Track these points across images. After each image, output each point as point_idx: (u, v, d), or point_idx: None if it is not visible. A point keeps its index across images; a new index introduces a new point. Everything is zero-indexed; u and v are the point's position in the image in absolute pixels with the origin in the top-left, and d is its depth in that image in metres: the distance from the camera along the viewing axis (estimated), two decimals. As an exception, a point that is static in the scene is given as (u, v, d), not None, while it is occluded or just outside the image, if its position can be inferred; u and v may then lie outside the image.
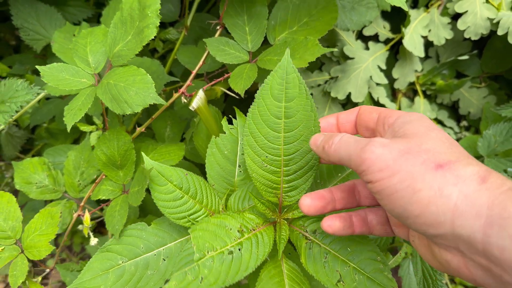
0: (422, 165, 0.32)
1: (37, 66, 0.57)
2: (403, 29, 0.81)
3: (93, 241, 0.62)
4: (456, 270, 0.34)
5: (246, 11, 0.64)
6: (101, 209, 0.75)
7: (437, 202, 0.31)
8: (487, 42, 0.93)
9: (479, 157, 0.88)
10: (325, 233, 0.51)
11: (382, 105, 0.82)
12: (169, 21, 0.84)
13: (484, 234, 0.29)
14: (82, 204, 0.64)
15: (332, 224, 0.43)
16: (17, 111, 0.71)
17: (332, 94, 0.79)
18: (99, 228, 1.14)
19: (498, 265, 0.29)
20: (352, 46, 0.82)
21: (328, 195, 0.45)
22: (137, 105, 0.52)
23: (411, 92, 0.96)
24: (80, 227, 0.72)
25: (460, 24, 0.86)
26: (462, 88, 0.96)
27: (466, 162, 0.32)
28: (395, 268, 0.66)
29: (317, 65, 0.86)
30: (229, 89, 0.71)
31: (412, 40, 0.83)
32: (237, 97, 0.68)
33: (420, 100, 0.91)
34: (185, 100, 0.63)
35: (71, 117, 0.53)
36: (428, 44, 0.93)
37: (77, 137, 0.95)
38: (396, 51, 0.92)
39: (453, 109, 1.00)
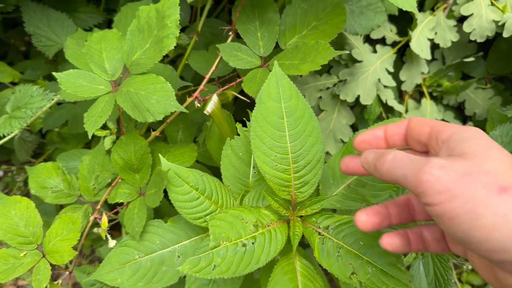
0: (484, 188, 0.31)
1: (54, 73, 0.58)
2: (410, 32, 0.83)
3: (112, 243, 0.64)
4: None
5: (258, 17, 0.65)
6: (115, 213, 0.76)
7: (503, 228, 0.30)
8: (493, 44, 0.94)
9: (486, 158, 0.89)
10: (337, 229, 0.52)
11: (390, 107, 0.84)
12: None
13: None
14: (98, 207, 0.65)
15: (392, 242, 0.42)
16: (31, 117, 0.73)
17: (341, 97, 0.81)
18: (110, 231, 1.15)
19: None
20: (360, 49, 0.83)
21: (383, 210, 0.44)
22: (159, 113, 0.53)
23: (418, 93, 0.97)
24: (95, 230, 0.73)
25: (466, 27, 0.87)
26: (467, 90, 0.97)
27: None
28: (406, 268, 0.67)
29: (326, 69, 0.87)
30: (239, 93, 0.72)
31: (419, 43, 0.84)
32: (248, 100, 0.69)
33: (426, 102, 0.92)
34: (199, 105, 0.65)
35: (91, 124, 0.54)
36: (433, 46, 0.95)
37: (88, 141, 0.97)
38: (402, 54, 0.93)
39: (459, 110, 1.01)
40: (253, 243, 0.50)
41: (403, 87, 0.89)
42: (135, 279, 0.58)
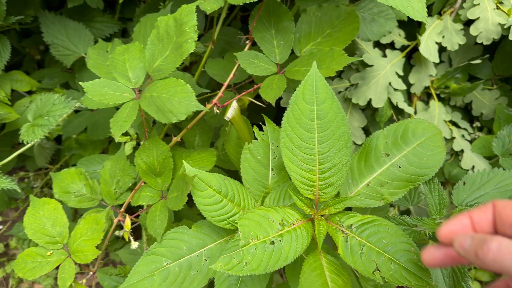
0: None
1: (80, 83, 0.61)
2: (419, 36, 0.85)
3: (134, 244, 0.66)
4: None
5: (273, 26, 0.68)
6: (136, 216, 0.78)
7: None
8: (498, 46, 0.96)
9: (494, 157, 0.92)
10: (360, 228, 0.55)
11: (401, 110, 0.86)
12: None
13: None
14: (122, 210, 0.68)
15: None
16: (54, 124, 0.75)
17: (353, 101, 0.83)
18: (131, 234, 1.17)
19: None
20: (371, 54, 0.85)
21: None
22: (182, 113, 0.56)
23: (426, 95, 0.99)
24: (116, 232, 0.76)
25: (473, 30, 0.90)
26: (474, 90, 1.00)
27: None
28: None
29: (337, 73, 0.89)
30: (254, 98, 0.75)
31: (428, 47, 0.86)
32: (264, 105, 0.72)
33: (435, 103, 0.94)
34: (218, 111, 0.67)
35: (117, 128, 0.56)
36: (440, 49, 0.97)
37: (105, 147, 0.99)
38: (409, 57, 0.96)
39: (466, 111, 1.03)
40: (280, 241, 0.52)
41: (412, 90, 0.91)
42: (165, 286, 0.59)
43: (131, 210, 0.76)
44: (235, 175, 0.75)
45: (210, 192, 0.60)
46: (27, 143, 0.77)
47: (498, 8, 0.92)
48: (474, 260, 0.37)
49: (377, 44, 0.90)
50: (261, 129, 0.67)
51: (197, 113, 0.71)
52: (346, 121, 0.56)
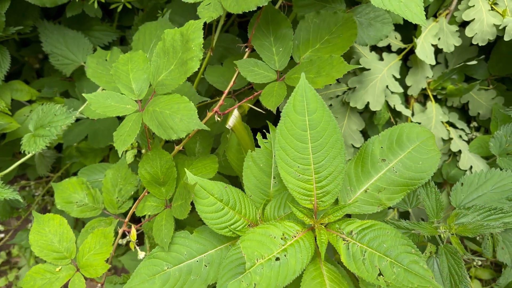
0: None
1: (84, 95, 0.61)
2: (415, 39, 0.86)
3: (141, 254, 0.67)
4: None
5: (272, 33, 0.69)
6: (139, 224, 0.79)
7: None
8: (494, 47, 0.97)
9: (491, 157, 0.93)
10: (361, 233, 0.56)
11: (398, 112, 0.87)
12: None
13: None
14: (126, 220, 0.68)
15: None
16: (56, 135, 0.76)
17: (351, 104, 0.84)
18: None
19: None
20: (368, 57, 0.86)
21: None
22: (182, 131, 0.56)
23: (422, 97, 1.00)
24: (120, 241, 0.76)
25: (468, 32, 0.91)
26: (471, 91, 1.01)
27: None
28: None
29: (334, 77, 0.90)
30: (254, 104, 0.75)
31: (424, 49, 0.87)
32: (264, 112, 0.72)
33: (432, 105, 0.95)
34: (219, 119, 0.68)
35: (121, 142, 0.57)
36: (436, 51, 0.98)
37: (106, 154, 1.00)
38: (406, 59, 0.97)
39: (463, 111, 1.04)
40: (285, 255, 0.53)
41: (409, 92, 0.92)
42: (165, 289, 0.60)
43: (133, 217, 0.76)
44: (236, 181, 0.76)
45: (212, 200, 0.61)
46: (29, 153, 0.78)
47: (493, 9, 0.93)
48: None
49: (374, 48, 0.91)
50: (264, 137, 0.67)
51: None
52: (338, 129, 0.57)
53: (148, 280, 0.62)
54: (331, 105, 0.87)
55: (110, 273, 1.22)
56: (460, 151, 0.93)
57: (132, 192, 0.77)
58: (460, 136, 0.96)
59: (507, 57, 0.96)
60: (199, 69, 0.87)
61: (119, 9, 0.87)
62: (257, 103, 0.72)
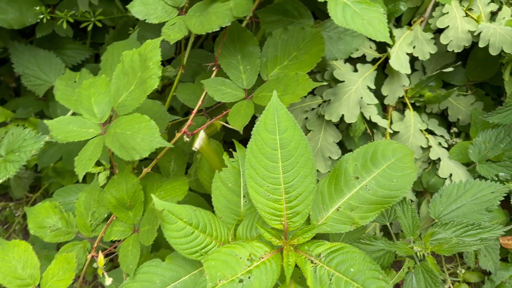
0: None
1: (45, 121, 0.60)
2: (388, 49, 0.85)
3: (108, 280, 0.65)
4: None
5: (239, 51, 0.68)
6: (115, 246, 0.78)
7: None
8: (470, 52, 0.97)
9: (472, 163, 0.92)
10: (329, 256, 0.55)
11: (374, 124, 0.86)
12: (165, 58, 0.88)
13: None
14: (95, 245, 0.67)
15: None
16: (26, 160, 0.74)
17: (326, 117, 0.83)
18: (115, 262, 1.16)
19: None
20: (342, 69, 0.85)
21: None
22: (145, 150, 0.55)
23: (401, 104, 1.00)
24: (95, 265, 0.75)
25: (443, 39, 0.90)
26: (449, 97, 1.00)
27: None
28: (401, 282, 0.70)
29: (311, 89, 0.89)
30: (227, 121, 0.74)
31: (398, 59, 0.87)
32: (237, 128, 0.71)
33: (410, 113, 0.94)
34: (187, 139, 0.67)
35: (82, 167, 0.56)
36: (413, 58, 0.97)
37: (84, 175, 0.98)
38: (384, 66, 0.96)
39: (443, 116, 1.04)
40: (249, 278, 0.52)
41: (386, 101, 0.91)
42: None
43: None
44: (210, 198, 0.75)
45: (181, 225, 0.60)
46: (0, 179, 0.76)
47: (467, 15, 0.92)
48: None
49: (349, 58, 0.90)
50: (232, 156, 0.66)
51: (170, 138, 0.70)
52: (309, 148, 0.56)
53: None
54: (306, 118, 0.87)
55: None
56: (439, 159, 0.93)
57: (106, 215, 0.76)
58: (440, 144, 0.96)
59: (484, 63, 0.95)
60: (170, 83, 0.86)
61: (89, 28, 0.86)
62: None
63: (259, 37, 0.73)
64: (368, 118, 0.85)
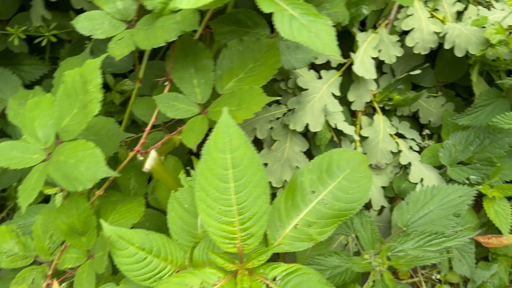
0: None
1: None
2: (352, 55, 0.83)
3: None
4: None
5: (192, 65, 0.65)
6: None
7: None
8: (438, 53, 0.95)
9: (443, 166, 0.91)
10: (285, 279, 0.52)
11: (340, 131, 0.84)
12: (124, 71, 0.85)
13: None
14: (50, 272, 0.64)
15: None
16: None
17: (291, 127, 0.81)
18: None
19: None
20: (305, 77, 0.83)
21: None
22: (89, 180, 0.53)
23: (371, 109, 0.98)
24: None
25: (408, 41, 0.88)
26: (420, 99, 0.99)
27: None
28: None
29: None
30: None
31: (363, 64, 0.85)
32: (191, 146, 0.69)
33: (379, 118, 0.92)
34: (142, 158, 0.64)
35: (25, 198, 0.53)
36: (381, 61, 0.95)
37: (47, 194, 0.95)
38: (350, 71, 0.94)
39: (414, 119, 1.02)
40: (198, 308, 0.49)
41: (353, 107, 0.90)
42: None
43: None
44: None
45: (132, 250, 0.57)
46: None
47: (433, 16, 0.91)
48: None
49: (313, 65, 0.88)
50: (189, 175, 0.64)
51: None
52: (261, 166, 0.54)
53: None
54: (272, 128, 0.84)
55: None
56: (410, 164, 0.91)
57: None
58: (411, 147, 0.94)
59: (452, 64, 0.94)
60: (129, 101, 0.83)
61: (43, 43, 0.83)
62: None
63: (216, 49, 0.71)
64: (334, 126, 0.83)
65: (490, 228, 0.95)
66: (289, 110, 0.84)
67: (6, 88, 0.87)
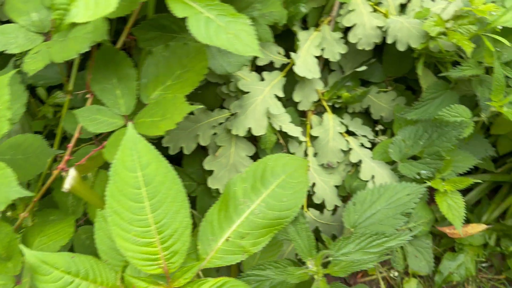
0: None
1: None
2: (292, 55, 0.81)
3: None
4: None
5: (114, 74, 0.62)
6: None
7: None
8: (384, 48, 0.94)
9: (393, 163, 0.90)
10: None
11: (285, 133, 0.82)
12: (56, 83, 0.81)
13: None
14: (-25, 303, 0.61)
15: None
16: None
17: (233, 132, 0.79)
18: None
19: None
20: (247, 79, 0.81)
21: None
22: (1, 203, 0.50)
23: (322, 107, 0.96)
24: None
25: (351, 37, 0.87)
26: (370, 94, 0.97)
27: None
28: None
29: (218, 103, 0.85)
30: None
31: (306, 64, 0.83)
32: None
33: (328, 116, 0.91)
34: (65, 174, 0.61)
35: None
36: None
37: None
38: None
39: (367, 115, 1.01)
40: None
41: (300, 107, 0.88)
42: None
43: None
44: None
45: (57, 275, 0.54)
46: None
47: (375, 10, 0.89)
48: None
49: (257, 67, 0.86)
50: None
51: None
52: (177, 179, 0.51)
53: None
54: (215, 133, 0.82)
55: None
56: (361, 161, 0.90)
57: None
58: (362, 144, 0.93)
59: (398, 57, 0.93)
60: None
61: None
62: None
63: (144, 57, 0.68)
64: (279, 128, 0.81)
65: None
66: (232, 115, 0.82)
67: None
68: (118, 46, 0.64)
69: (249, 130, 0.78)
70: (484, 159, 1.15)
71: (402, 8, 0.92)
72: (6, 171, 0.51)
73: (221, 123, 0.82)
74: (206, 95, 0.84)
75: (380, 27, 0.87)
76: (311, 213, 0.89)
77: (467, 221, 1.27)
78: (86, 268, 0.56)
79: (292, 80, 0.88)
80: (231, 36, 0.51)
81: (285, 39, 0.89)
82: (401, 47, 0.84)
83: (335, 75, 0.96)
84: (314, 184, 0.89)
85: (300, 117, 0.92)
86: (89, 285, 0.56)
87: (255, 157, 0.84)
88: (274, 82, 0.82)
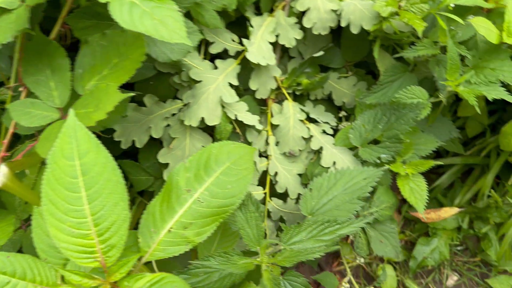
0: None
1: None
2: (245, 41, 0.79)
3: None
4: None
5: (48, 66, 0.60)
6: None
7: None
8: (342, 32, 0.93)
9: (355, 148, 0.88)
10: None
11: (241, 122, 0.80)
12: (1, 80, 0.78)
13: None
14: None
15: None
16: None
17: (186, 122, 0.76)
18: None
19: None
20: (199, 68, 0.79)
21: None
22: None
23: (283, 95, 0.94)
24: None
25: (306, 22, 0.85)
26: (331, 80, 0.96)
27: None
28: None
29: (172, 93, 0.82)
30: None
31: (260, 50, 0.81)
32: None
33: (288, 104, 0.89)
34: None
35: None
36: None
37: None
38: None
39: (330, 101, 0.99)
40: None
41: (257, 95, 0.86)
42: None
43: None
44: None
45: (-9, 276, 0.52)
46: None
47: (330, -6, 0.88)
48: None
49: (210, 55, 0.84)
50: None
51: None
52: (117, 170, 0.50)
53: None
54: (168, 125, 0.80)
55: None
56: (322, 148, 0.88)
57: None
58: (324, 131, 0.91)
59: (355, 41, 0.91)
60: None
61: None
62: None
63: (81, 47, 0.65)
64: (234, 117, 0.79)
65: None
66: (184, 105, 0.79)
67: None
68: (52, 37, 0.61)
69: (202, 120, 0.76)
70: (453, 142, 1.15)
71: (357, -10, 0.90)
72: None
73: (174, 114, 0.80)
74: (159, 86, 0.81)
75: (334, 11, 0.85)
76: (274, 203, 0.88)
77: (440, 205, 1.27)
78: (23, 267, 0.54)
79: (249, 68, 0.86)
80: (157, 22, 0.49)
81: (240, 26, 0.87)
82: (354, 30, 0.82)
83: (294, 62, 0.94)
84: (276, 173, 0.87)
85: (261, 106, 0.91)
86: (27, 285, 0.53)
87: (212, 148, 0.82)
88: (228, 70, 0.80)
